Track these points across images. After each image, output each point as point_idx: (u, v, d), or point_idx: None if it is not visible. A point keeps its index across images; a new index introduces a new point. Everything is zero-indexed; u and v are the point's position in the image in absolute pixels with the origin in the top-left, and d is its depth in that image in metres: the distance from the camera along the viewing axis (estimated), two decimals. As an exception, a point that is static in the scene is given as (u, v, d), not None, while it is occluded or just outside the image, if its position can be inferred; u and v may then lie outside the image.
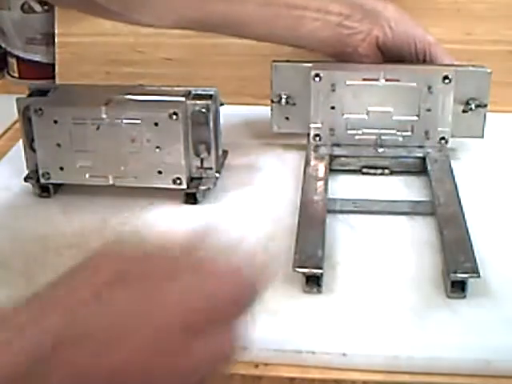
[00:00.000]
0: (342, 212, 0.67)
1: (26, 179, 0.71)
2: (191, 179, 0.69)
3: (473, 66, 0.74)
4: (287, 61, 0.75)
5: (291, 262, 0.58)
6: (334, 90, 0.73)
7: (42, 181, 0.70)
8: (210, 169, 0.69)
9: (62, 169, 0.69)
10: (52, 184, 0.70)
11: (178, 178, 0.68)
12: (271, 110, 0.76)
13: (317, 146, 0.75)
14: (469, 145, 0.77)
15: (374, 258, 0.62)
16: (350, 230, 0.65)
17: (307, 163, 0.73)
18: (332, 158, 0.74)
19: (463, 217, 0.64)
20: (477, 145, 0.76)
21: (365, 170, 0.74)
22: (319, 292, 0.58)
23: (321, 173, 0.71)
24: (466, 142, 0.76)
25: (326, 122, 0.75)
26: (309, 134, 0.75)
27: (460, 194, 0.67)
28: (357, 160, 0.74)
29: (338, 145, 0.75)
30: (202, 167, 0.69)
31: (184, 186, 0.68)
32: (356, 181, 0.73)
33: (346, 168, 0.74)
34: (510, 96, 0.84)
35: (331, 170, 0.73)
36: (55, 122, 0.67)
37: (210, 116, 0.68)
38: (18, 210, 0.69)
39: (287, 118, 0.76)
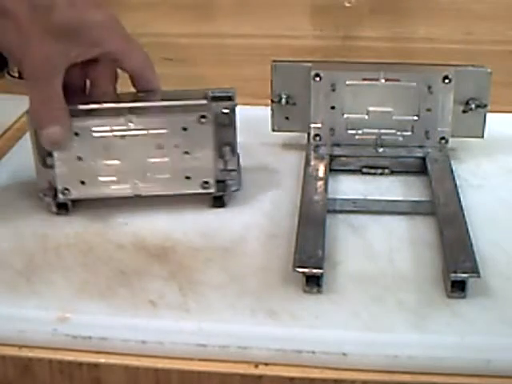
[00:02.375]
0: (342, 212, 0.67)
1: (40, 197, 0.67)
2: (216, 182, 0.68)
3: (473, 66, 0.74)
4: (287, 61, 0.75)
5: (291, 261, 0.59)
6: (334, 90, 0.73)
7: (61, 197, 0.66)
8: (234, 170, 0.68)
9: (83, 183, 0.66)
10: (71, 200, 0.67)
11: (206, 182, 0.67)
12: (271, 110, 0.76)
13: (317, 146, 0.75)
14: (469, 145, 0.77)
15: (374, 257, 0.62)
16: (350, 229, 0.65)
17: (307, 163, 0.73)
18: (332, 157, 0.74)
19: (463, 217, 0.64)
20: (477, 145, 0.76)
21: (365, 170, 0.74)
22: (319, 292, 0.58)
23: (321, 173, 0.71)
24: (466, 142, 0.76)
25: (326, 122, 0.75)
26: (309, 134, 0.75)
27: (460, 194, 0.67)
28: (357, 160, 0.74)
29: (338, 145, 0.75)
30: (225, 169, 0.68)
31: (212, 190, 0.67)
32: (356, 181, 0.73)
33: (346, 168, 0.75)
34: (510, 96, 0.84)
35: (331, 170, 0.73)
36: (76, 134, 0.64)
37: (234, 117, 0.67)
38: (17, 209, 0.69)
39: (287, 118, 0.76)
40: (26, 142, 0.82)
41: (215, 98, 0.67)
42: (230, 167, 0.68)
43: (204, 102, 0.66)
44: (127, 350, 0.54)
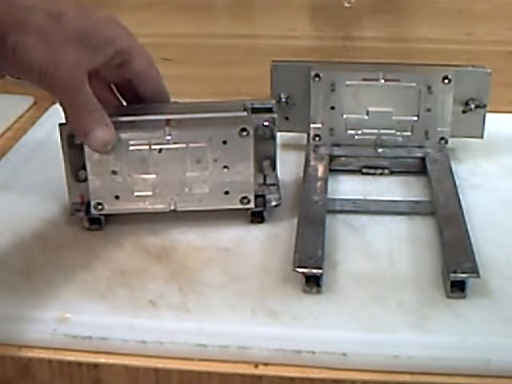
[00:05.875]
0: (341, 212, 0.67)
1: (72, 213, 0.65)
2: (255, 197, 0.65)
3: (473, 66, 0.74)
4: (287, 61, 0.75)
5: (291, 261, 0.59)
6: (333, 90, 0.73)
7: (94, 212, 0.64)
8: (274, 185, 0.66)
9: (117, 197, 0.64)
10: (104, 215, 0.65)
11: (245, 198, 0.64)
12: (271, 109, 0.76)
13: (317, 146, 0.75)
14: (469, 145, 0.77)
15: (373, 257, 0.62)
16: (350, 229, 0.65)
17: (307, 163, 0.73)
18: (332, 158, 0.74)
19: (463, 217, 0.64)
20: (476, 145, 0.76)
21: (365, 170, 0.74)
22: (319, 292, 0.58)
23: (320, 173, 0.71)
24: (465, 142, 0.76)
25: (325, 122, 0.75)
26: (309, 134, 0.76)
27: (460, 194, 0.67)
28: (356, 160, 0.74)
29: (337, 145, 0.75)
30: (264, 184, 0.66)
31: (252, 205, 0.65)
32: (356, 181, 0.73)
33: (346, 168, 0.75)
34: (510, 96, 0.84)
35: (331, 170, 0.73)
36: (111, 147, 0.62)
37: (275, 130, 0.65)
38: (17, 209, 0.69)
39: (287, 118, 0.76)
40: (26, 141, 0.82)
41: (255, 110, 0.65)
42: (269, 182, 0.66)
43: (244, 114, 0.64)
44: (127, 350, 0.54)
